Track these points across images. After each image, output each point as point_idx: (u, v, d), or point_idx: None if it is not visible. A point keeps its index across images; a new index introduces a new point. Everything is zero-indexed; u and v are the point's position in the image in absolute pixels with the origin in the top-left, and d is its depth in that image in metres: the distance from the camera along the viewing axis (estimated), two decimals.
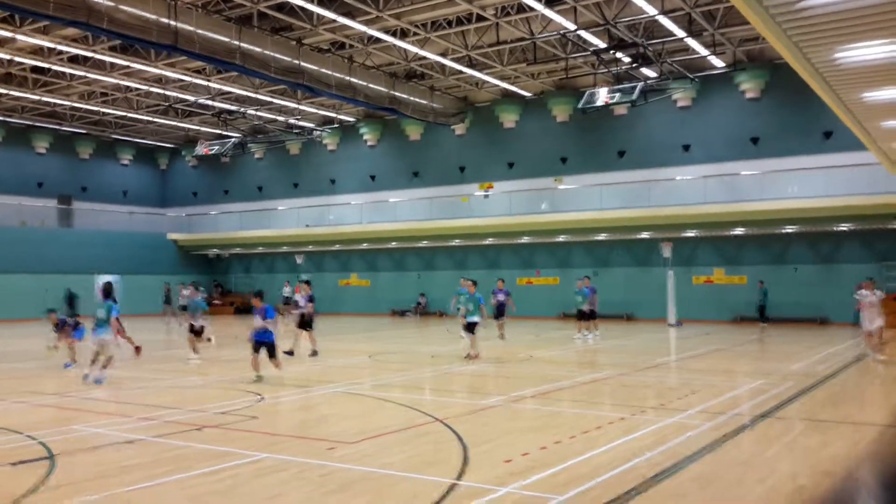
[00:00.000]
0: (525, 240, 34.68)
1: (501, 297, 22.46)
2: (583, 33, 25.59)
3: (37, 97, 34.85)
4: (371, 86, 30.24)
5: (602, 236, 32.76)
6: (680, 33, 25.86)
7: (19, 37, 26.25)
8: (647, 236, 31.75)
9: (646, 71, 29.15)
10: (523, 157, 35.84)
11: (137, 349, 16.77)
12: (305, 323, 18.66)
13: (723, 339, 23.52)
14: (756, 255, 30.59)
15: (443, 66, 30.88)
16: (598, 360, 18.07)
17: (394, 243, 38.20)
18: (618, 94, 28.89)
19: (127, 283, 40.70)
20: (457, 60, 29.56)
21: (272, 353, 13.43)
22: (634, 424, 9.53)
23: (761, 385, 13.11)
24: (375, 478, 7.08)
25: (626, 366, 16.14)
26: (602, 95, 29.31)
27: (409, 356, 18.59)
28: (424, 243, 37.36)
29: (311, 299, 18.85)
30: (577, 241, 33.94)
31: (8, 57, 28.91)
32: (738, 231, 30.01)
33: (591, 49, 26.91)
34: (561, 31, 25.85)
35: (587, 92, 30.47)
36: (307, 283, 19.63)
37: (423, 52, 28.30)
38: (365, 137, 40.62)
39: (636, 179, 32.13)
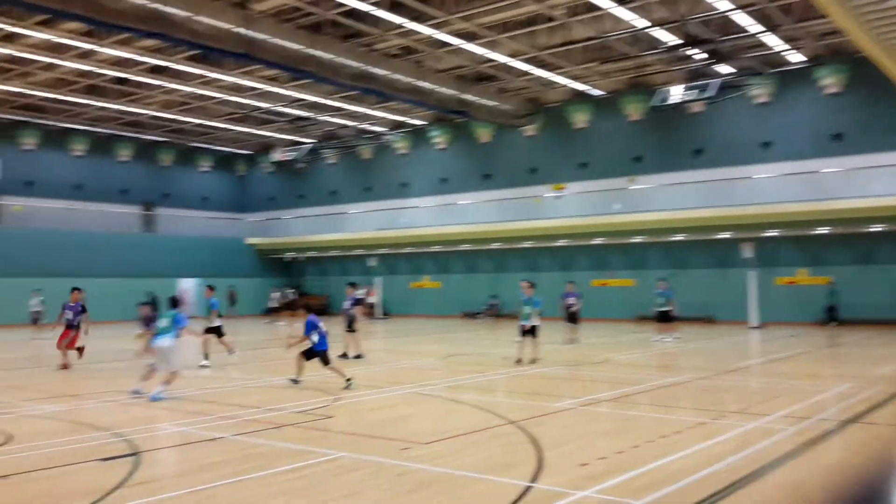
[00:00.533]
0: (598, 241, 34.24)
1: (571, 300, 21.89)
2: (655, 31, 25.13)
3: (120, 107, 36.22)
4: (440, 89, 30.37)
5: (679, 237, 32.08)
6: (755, 28, 25.13)
7: (102, 49, 27.34)
8: (727, 236, 30.92)
9: (721, 67, 28.43)
10: (595, 157, 35.41)
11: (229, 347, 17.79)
12: (350, 326, 18.65)
13: (807, 341, 22.72)
14: (841, 255, 29.45)
15: (512, 68, 30.77)
16: (677, 364, 17.68)
17: (465, 245, 38.25)
18: (693, 92, 28.31)
19: (221, 287, 41.83)
20: (526, 61, 29.41)
21: (326, 361, 13.18)
22: (715, 429, 9.27)
23: (849, 389, 12.60)
24: (450, 479, 7.07)
25: (706, 369, 15.75)
26: (676, 93, 28.78)
27: (481, 358, 18.55)
28: (496, 245, 37.28)
29: (357, 302, 18.88)
30: (652, 242, 33.32)
31: (92, 69, 30.12)
32: (822, 230, 28.94)
33: (663, 46, 26.41)
34: (632, 29, 25.45)
35: (660, 90, 29.96)
36: (353, 285, 19.63)
37: (492, 55, 28.26)
38: (435, 141, 40.81)
39: (714, 178, 31.34)
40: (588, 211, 33.77)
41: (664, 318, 22.53)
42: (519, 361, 16.34)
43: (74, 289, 17.44)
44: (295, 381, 13.32)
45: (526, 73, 31.32)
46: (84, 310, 17.18)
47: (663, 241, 32.85)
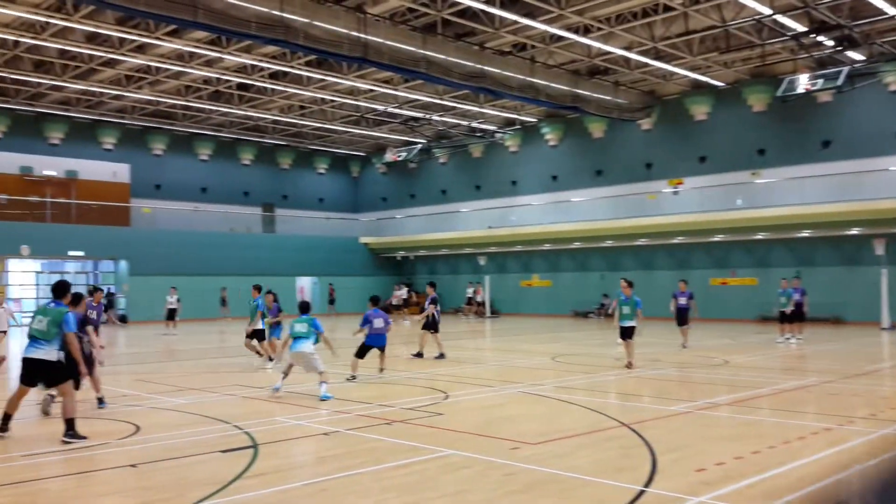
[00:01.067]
0: (718, 238, 33.00)
1: (683, 300, 20.71)
2: (780, 17, 23.95)
3: (242, 112, 37.77)
4: (553, 85, 30.05)
5: (805, 233, 30.49)
6: (891, 11, 23.54)
7: (226, 56, 28.57)
8: (857, 232, 29.14)
9: (852, 54, 26.81)
10: (716, 150, 34.14)
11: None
12: (430, 325, 18.40)
13: None
14: None
15: (628, 60, 30.09)
16: (802, 366, 16.80)
17: (576, 243, 37.73)
18: (820, 81, 26.85)
19: (323, 285, 43.15)
20: (643, 53, 28.68)
21: (382, 350, 14.73)
22: (842, 436, 8.73)
23: None
24: (560, 480, 6.95)
25: (833, 372, 14.88)
26: (803, 82, 27.37)
27: (592, 358, 18.22)
28: (608, 243, 36.59)
29: (433, 301, 18.67)
30: (776, 239, 31.81)
31: (216, 75, 31.54)
32: None
33: (789, 33, 25.14)
34: (756, 17, 24.36)
35: (786, 79, 28.55)
36: (432, 284, 19.41)
37: (606, 47, 27.72)
38: (547, 137, 40.45)
39: (843, 171, 29.59)
40: (707, 207, 32.59)
41: (794, 317, 21.47)
42: (629, 365, 15.64)
43: (96, 289, 15.92)
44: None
45: (642, 65, 30.54)
46: (106, 310, 16.22)
47: (788, 237, 31.31)
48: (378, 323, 14.54)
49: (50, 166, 37.25)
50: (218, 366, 17.12)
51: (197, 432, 9.45)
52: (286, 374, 12.60)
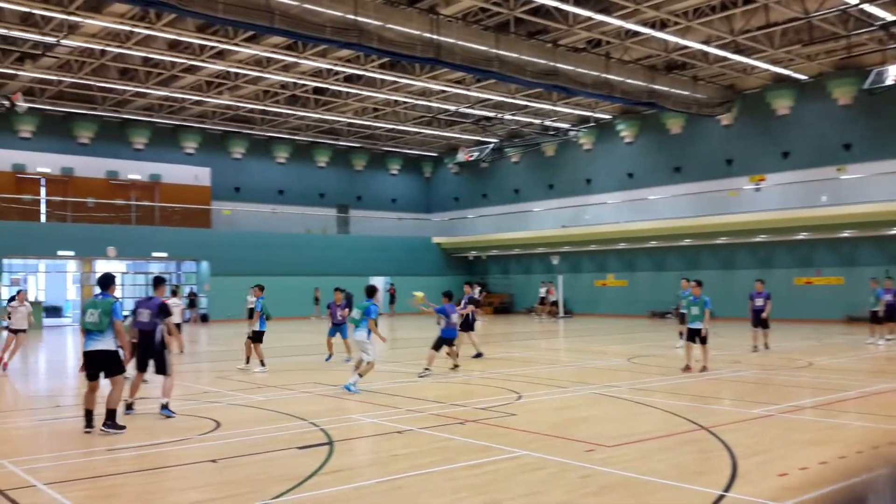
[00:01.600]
0: (802, 236, 31.87)
1: (760, 301, 19.44)
2: (867, 6, 22.97)
3: (318, 115, 38.44)
4: (628, 81, 29.54)
5: (895, 230, 29.18)
6: None
7: (302, 61, 29.11)
8: None
9: None
10: (799, 145, 32.98)
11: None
12: (466, 324, 18.11)
13: None
14: None
15: (706, 55, 29.36)
16: (892, 369, 16.06)
17: (653, 242, 37.02)
18: None
19: (396, 285, 43.53)
20: (722, 47, 27.93)
21: (451, 345, 15.29)
22: None
23: None
24: (637, 483, 6.81)
25: None
26: (892, 73, 26.23)
27: (669, 360, 17.81)
28: (686, 242, 35.77)
29: (471, 301, 18.49)
30: (865, 237, 30.52)
31: (293, 80, 32.17)
32: None
33: (877, 23, 24.09)
34: (841, 7, 23.43)
35: (874, 71, 27.41)
36: (470, 284, 19.20)
37: (684, 42, 27.11)
38: (622, 134, 39.83)
39: None
40: (790, 204, 31.51)
41: (885, 318, 20.58)
42: (687, 368, 15.00)
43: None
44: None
45: (721, 59, 29.76)
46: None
47: (876, 235, 30.00)
48: (455, 318, 15.39)
49: (135, 170, 38.70)
50: (295, 364, 17.44)
51: (274, 429, 9.64)
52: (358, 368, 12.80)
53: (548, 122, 39.95)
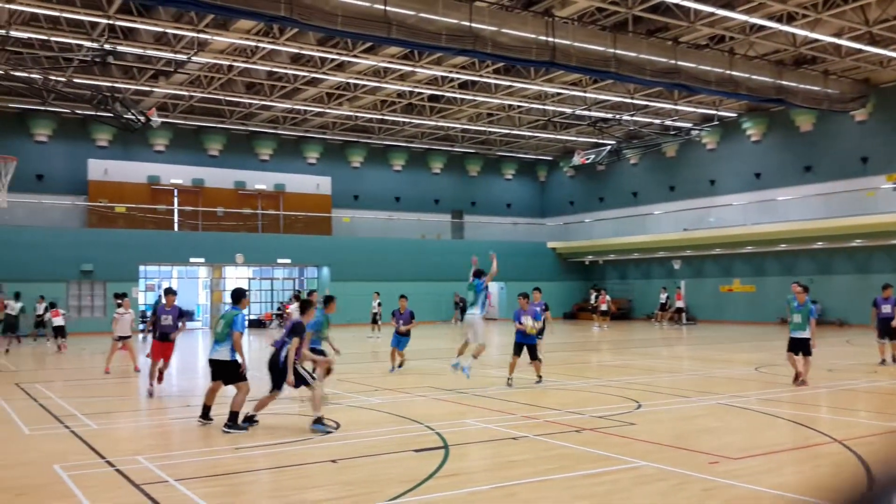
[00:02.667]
0: None
1: (888, 308, 17.18)
2: None
3: (433, 123, 38.91)
4: (754, 77, 28.31)
5: None
6: None
7: (418, 70, 29.54)
8: None
9: None
10: None
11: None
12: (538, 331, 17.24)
13: None
14: None
15: (838, 48, 27.78)
16: None
17: (783, 245, 35.27)
18: None
19: (510, 290, 43.38)
20: (855, 39, 26.35)
21: (533, 355, 14.28)
22: None
23: None
24: (764, 498, 6.47)
25: None
26: None
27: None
28: (819, 245, 33.89)
29: (546, 308, 17.25)
30: None
31: (409, 89, 32.71)
32: None
33: None
34: None
35: None
36: (538, 290, 17.50)
37: (814, 35, 25.76)
38: (748, 133, 38.23)
39: None
40: None
41: None
42: (798, 379, 13.78)
43: (168, 291, 15.33)
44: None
45: (855, 52, 28.08)
46: (182, 314, 14.99)
47: None
48: (527, 320, 14.37)
49: (260, 181, 40.36)
50: (412, 368, 17.65)
51: (392, 431, 9.77)
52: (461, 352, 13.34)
53: (668, 122, 38.86)
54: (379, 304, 30.03)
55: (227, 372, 10.06)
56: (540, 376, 14.40)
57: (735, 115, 38.02)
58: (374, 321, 30.00)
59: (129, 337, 17.42)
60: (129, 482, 7.20)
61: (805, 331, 13.81)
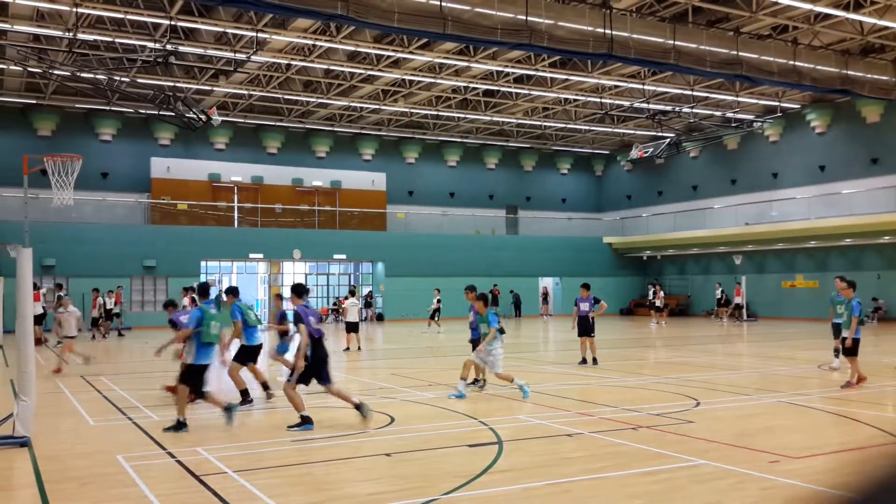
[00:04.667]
0: None
1: None
2: None
3: (488, 118, 38.82)
4: (819, 67, 27.50)
5: None
6: None
7: (473, 65, 29.50)
8: None
9: None
10: None
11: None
12: (588, 328, 16.90)
13: None
14: None
15: None
16: None
17: (848, 240, 34.20)
18: None
19: (565, 285, 43.11)
20: None
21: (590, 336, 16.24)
22: None
23: None
24: (826, 498, 6.26)
25: None
26: None
27: (866, 367, 16.33)
28: (886, 239, 32.76)
29: (596, 301, 17.01)
30: None
31: (464, 84, 32.69)
32: None
33: None
34: None
35: None
36: (586, 286, 17.42)
37: (883, 22, 24.88)
38: (813, 124, 37.18)
39: None
40: None
41: None
42: (854, 383, 12.94)
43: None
44: (584, 362, 16.23)
45: None
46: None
47: None
48: (584, 307, 16.45)
49: (317, 177, 40.85)
50: (448, 363, 17.64)
51: (446, 426, 9.79)
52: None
53: (730, 114, 38.01)
54: (438, 301, 30.08)
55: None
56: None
57: (798, 106, 37.01)
58: (433, 316, 30.02)
59: (74, 337, 17.29)
60: (189, 473, 7.38)
61: (847, 329, 13.09)
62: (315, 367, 9.80)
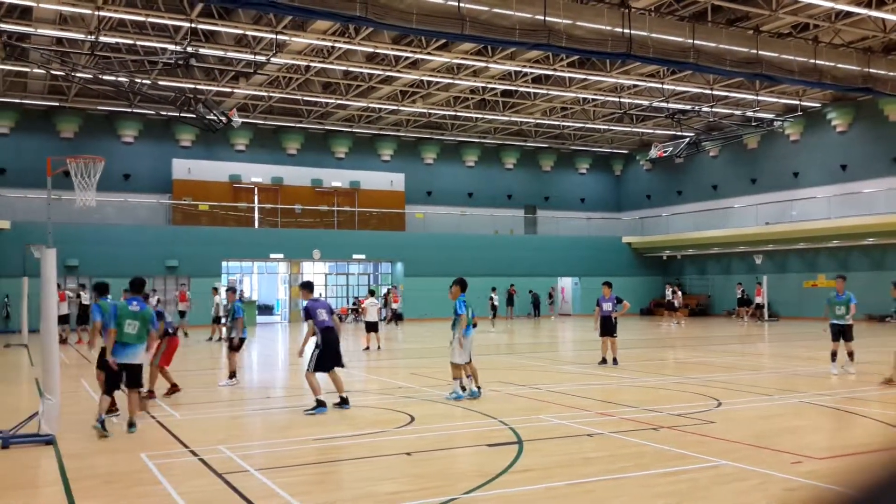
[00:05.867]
0: None
1: None
2: None
3: (506, 118, 38.80)
4: (840, 66, 27.23)
5: None
6: None
7: (491, 65, 29.50)
8: None
9: None
10: None
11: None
12: (611, 328, 16.70)
13: None
14: None
15: None
16: None
17: (870, 239, 33.84)
18: None
19: (584, 285, 42.99)
20: None
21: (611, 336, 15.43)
22: None
23: None
24: None
25: None
26: None
27: (888, 368, 16.16)
28: None
29: (619, 300, 16.84)
30: None
31: (482, 84, 32.69)
32: None
33: None
34: None
35: None
36: (608, 284, 17.25)
37: None
38: (834, 123, 36.82)
39: None
40: None
41: None
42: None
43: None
44: (604, 362, 16.06)
45: None
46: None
47: None
48: (606, 306, 16.35)
49: (336, 178, 41.01)
50: (485, 362, 17.68)
51: (465, 425, 9.81)
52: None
53: (750, 113, 37.75)
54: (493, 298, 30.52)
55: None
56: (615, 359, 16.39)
57: (819, 105, 36.68)
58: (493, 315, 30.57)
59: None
60: (211, 471, 7.45)
61: (847, 320, 14.64)
62: (330, 355, 10.87)
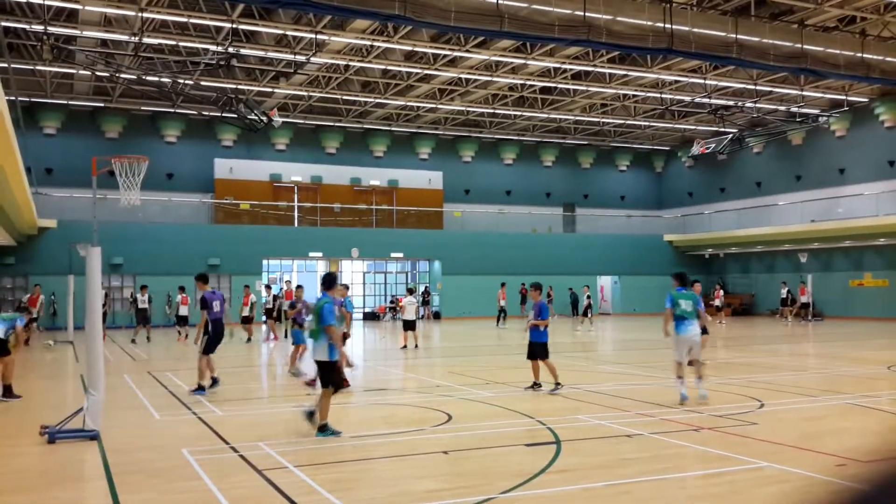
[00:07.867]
0: None
1: None
2: None
3: (545, 115, 38.58)
4: (889, 59, 26.58)
5: None
6: None
7: (530, 62, 29.36)
8: None
9: None
10: None
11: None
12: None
13: None
14: None
15: None
16: None
17: None
18: None
19: (624, 284, 42.59)
20: None
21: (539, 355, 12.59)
22: None
23: None
24: None
25: None
26: None
27: None
28: None
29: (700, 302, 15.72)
30: None
31: (521, 82, 32.55)
32: None
33: None
34: None
35: None
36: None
37: None
38: (881, 118, 35.94)
39: None
40: None
41: None
42: None
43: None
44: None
45: None
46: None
47: None
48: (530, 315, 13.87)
49: (375, 177, 41.20)
50: (519, 361, 17.61)
51: (503, 424, 9.78)
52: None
53: (794, 109, 37.02)
54: (588, 297, 30.96)
55: (322, 372, 9.27)
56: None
57: (866, 100, 35.84)
58: (586, 314, 31.38)
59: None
60: (251, 467, 7.53)
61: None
62: (217, 341, 12.56)
